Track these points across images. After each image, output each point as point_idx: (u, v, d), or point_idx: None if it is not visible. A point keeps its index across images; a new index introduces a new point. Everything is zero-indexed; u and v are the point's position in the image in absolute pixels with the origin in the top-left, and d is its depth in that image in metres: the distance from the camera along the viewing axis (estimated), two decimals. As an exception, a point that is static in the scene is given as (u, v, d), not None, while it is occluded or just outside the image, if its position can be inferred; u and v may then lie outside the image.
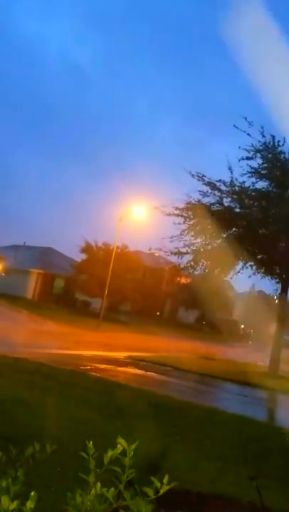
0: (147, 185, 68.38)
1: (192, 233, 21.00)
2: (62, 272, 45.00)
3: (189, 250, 21.15)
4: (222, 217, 20.45)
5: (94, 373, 12.61)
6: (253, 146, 19.99)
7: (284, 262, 20.82)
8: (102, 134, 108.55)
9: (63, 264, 44.92)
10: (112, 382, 11.57)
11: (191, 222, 20.94)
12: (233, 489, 4.47)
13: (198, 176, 20.64)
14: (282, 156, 20.35)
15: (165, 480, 1.51)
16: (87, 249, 42.64)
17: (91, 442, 1.63)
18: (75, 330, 26.81)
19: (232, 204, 20.94)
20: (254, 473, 4.22)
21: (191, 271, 23.40)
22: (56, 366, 11.77)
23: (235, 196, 20.67)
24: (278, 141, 20.16)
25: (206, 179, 20.64)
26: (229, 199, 20.83)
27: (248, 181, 20.45)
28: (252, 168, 20.26)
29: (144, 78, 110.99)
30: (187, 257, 21.47)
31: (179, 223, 20.88)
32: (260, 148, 20.12)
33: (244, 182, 20.42)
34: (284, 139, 20.15)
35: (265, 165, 20.37)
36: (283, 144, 20.22)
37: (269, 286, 22.87)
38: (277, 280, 21.89)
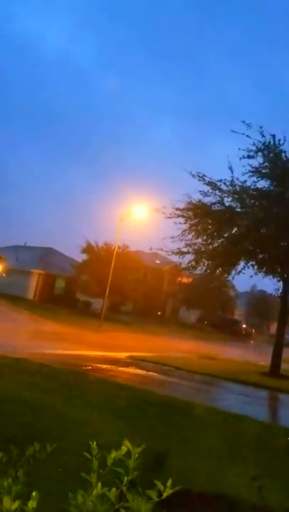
0: (148, 185, 68.56)
1: (193, 233, 20.99)
2: (63, 272, 45.02)
3: (190, 250, 21.14)
4: (223, 217, 20.44)
5: (95, 374, 12.60)
6: (254, 145, 19.99)
7: (285, 261, 20.80)
8: (104, 134, 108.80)
9: (64, 264, 44.93)
10: (113, 382, 11.56)
11: (192, 222, 20.94)
12: (234, 489, 4.45)
13: (199, 176, 20.65)
14: (283, 155, 20.33)
15: (168, 483, 1.50)
16: (88, 249, 42.66)
17: (94, 443, 1.62)
18: (76, 330, 26.82)
19: (233, 204, 20.92)
20: (256, 473, 4.20)
21: (192, 271, 23.37)
22: (57, 367, 11.77)
23: (236, 196, 20.64)
24: (279, 140, 20.16)
25: (207, 179, 20.65)
26: (230, 199, 20.81)
27: (249, 180, 20.44)
28: (253, 167, 20.25)
29: (145, 78, 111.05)
30: (188, 257, 21.47)
31: (180, 223, 20.90)
32: (261, 147, 20.11)
33: (245, 181, 20.41)
34: (285, 138, 20.15)
35: (266, 164, 20.35)
36: (284, 143, 20.22)
37: (270, 285, 22.83)
38: (279, 279, 21.87)
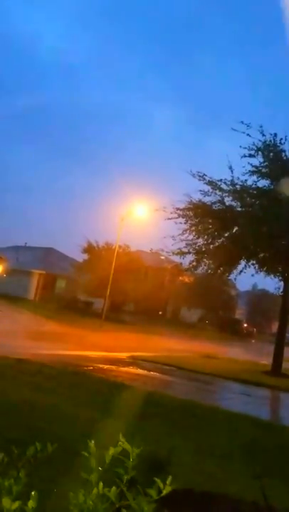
0: (149, 185, 68.52)
1: (194, 233, 20.99)
2: (63, 272, 45.04)
3: (191, 250, 21.13)
4: (223, 216, 20.43)
5: (96, 374, 12.60)
6: (254, 144, 19.98)
7: (286, 260, 20.79)
8: (103, 134, 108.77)
9: (65, 264, 44.95)
10: (114, 382, 11.56)
11: (193, 222, 20.93)
12: (236, 489, 4.44)
13: (199, 176, 20.65)
14: (283, 154, 20.32)
15: (168, 481, 1.50)
16: (88, 249, 42.68)
17: (93, 441, 1.62)
18: (77, 330, 26.80)
19: (233, 203, 20.91)
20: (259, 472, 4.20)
21: (193, 270, 23.37)
22: (58, 367, 11.76)
23: (237, 195, 20.63)
24: (280, 139, 20.14)
25: (207, 178, 20.64)
26: (230, 198, 20.80)
27: (250, 180, 20.43)
28: (253, 166, 20.24)
29: (146, 78, 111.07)
30: (189, 257, 21.47)
31: (181, 223, 20.90)
32: (261, 146, 20.09)
33: (246, 181, 20.40)
34: (285, 137, 20.13)
35: (266, 163, 20.34)
36: (284, 143, 20.20)
37: (272, 284, 22.85)
38: (280, 278, 21.87)
